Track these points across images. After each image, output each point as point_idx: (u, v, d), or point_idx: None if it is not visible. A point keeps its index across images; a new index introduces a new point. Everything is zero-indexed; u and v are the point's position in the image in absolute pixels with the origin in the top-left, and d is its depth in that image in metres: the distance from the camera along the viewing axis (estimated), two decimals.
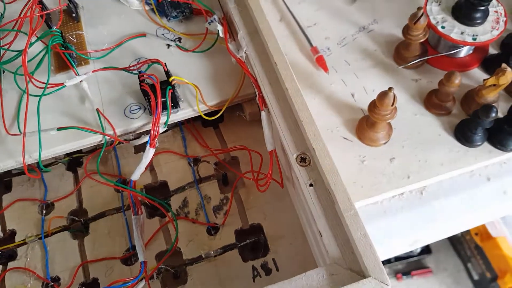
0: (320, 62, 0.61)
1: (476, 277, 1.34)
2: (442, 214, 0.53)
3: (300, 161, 0.42)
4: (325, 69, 0.61)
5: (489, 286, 1.29)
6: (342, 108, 0.58)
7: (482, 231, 1.29)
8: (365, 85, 0.60)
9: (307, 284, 0.35)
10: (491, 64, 0.58)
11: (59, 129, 0.49)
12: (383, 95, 0.48)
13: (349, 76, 0.61)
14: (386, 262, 1.40)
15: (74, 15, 0.58)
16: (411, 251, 1.42)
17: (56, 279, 0.49)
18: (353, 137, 0.56)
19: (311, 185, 0.40)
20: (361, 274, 0.35)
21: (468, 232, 1.34)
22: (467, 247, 1.36)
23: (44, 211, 0.53)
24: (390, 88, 0.48)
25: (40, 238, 0.51)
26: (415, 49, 0.59)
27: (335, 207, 0.39)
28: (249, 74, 0.48)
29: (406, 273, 1.40)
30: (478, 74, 0.60)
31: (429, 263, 1.44)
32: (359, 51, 0.63)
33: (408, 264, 1.42)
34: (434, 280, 1.41)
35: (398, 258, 1.42)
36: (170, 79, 0.48)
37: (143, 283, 0.44)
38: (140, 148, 0.56)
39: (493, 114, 0.49)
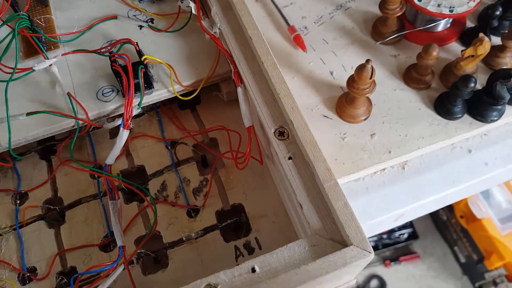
0: (298, 41, 0.60)
1: (463, 260, 1.36)
2: (425, 188, 0.52)
3: (279, 135, 0.41)
4: (303, 48, 0.60)
5: (476, 268, 1.31)
6: (321, 87, 0.58)
7: (467, 214, 1.30)
8: (343, 63, 0.59)
9: (289, 256, 0.34)
10: (468, 37, 0.58)
11: (28, 114, 0.47)
12: (361, 68, 0.48)
13: (327, 55, 0.60)
14: (374, 249, 1.41)
15: None
16: (398, 237, 1.43)
17: (33, 270, 0.47)
18: (333, 115, 0.55)
19: (290, 158, 0.39)
20: (343, 243, 0.34)
21: (453, 215, 1.35)
22: (453, 230, 1.38)
23: (18, 201, 0.51)
24: (367, 60, 0.47)
25: (14, 229, 0.50)
26: (392, 25, 0.58)
27: (315, 179, 0.38)
28: (224, 50, 0.47)
29: (394, 259, 1.41)
30: (456, 47, 0.60)
31: (416, 248, 1.45)
32: (337, 29, 0.63)
33: (396, 250, 1.43)
34: (422, 265, 1.42)
35: (385, 245, 1.42)
36: (142, 58, 0.47)
37: (121, 267, 0.43)
38: (115, 133, 0.54)
39: (472, 84, 0.49)
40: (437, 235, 1.45)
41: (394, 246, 1.43)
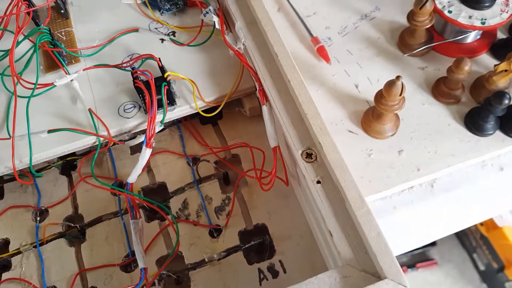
0: (322, 53, 0.59)
1: (482, 268, 1.33)
2: (454, 207, 0.51)
3: (306, 157, 0.39)
4: (327, 59, 0.58)
5: (496, 277, 1.27)
6: (346, 100, 0.56)
7: (488, 221, 1.27)
8: (369, 75, 0.58)
9: None
10: (500, 49, 0.56)
11: (50, 131, 0.46)
12: (390, 84, 0.46)
13: (352, 66, 0.59)
14: None
15: (62, 11, 0.56)
16: None
17: None
18: (358, 130, 0.54)
19: (318, 182, 0.38)
20: (377, 276, 0.33)
21: None
22: (472, 237, 1.35)
23: (38, 218, 0.51)
24: (398, 77, 0.45)
25: (35, 247, 0.49)
26: (420, 36, 0.57)
27: (345, 205, 0.36)
28: (248, 67, 0.46)
29: (411, 265, 1.39)
30: (486, 60, 0.57)
31: (434, 255, 1.42)
32: (362, 40, 0.61)
33: (413, 256, 1.41)
34: (440, 272, 1.39)
35: None
36: (165, 75, 0.46)
37: None
38: (136, 149, 0.53)
39: (507, 101, 0.47)
40: (456, 242, 1.43)
41: (411, 252, 1.40)
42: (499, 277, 1.27)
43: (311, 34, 0.61)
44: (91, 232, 0.49)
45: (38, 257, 0.48)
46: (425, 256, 1.41)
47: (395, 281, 0.32)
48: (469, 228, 1.35)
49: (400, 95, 0.46)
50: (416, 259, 1.40)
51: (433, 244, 1.41)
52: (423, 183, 0.52)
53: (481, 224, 1.30)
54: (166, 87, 0.45)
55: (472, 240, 1.35)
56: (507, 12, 0.53)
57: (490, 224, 1.26)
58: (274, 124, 0.44)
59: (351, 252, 0.35)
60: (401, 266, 1.29)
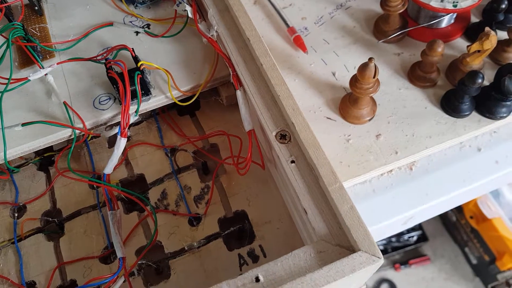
0: (298, 42, 0.59)
1: (474, 261, 1.33)
2: (434, 189, 0.51)
3: (280, 138, 0.39)
4: (304, 49, 0.59)
5: (488, 269, 1.28)
6: (323, 88, 0.56)
7: (477, 214, 1.28)
8: (346, 63, 0.58)
9: (295, 264, 0.33)
10: (474, 33, 0.57)
11: (24, 124, 0.46)
12: (363, 67, 0.46)
13: (329, 55, 0.59)
14: (383, 252, 1.38)
15: (36, 8, 0.55)
16: (407, 240, 1.41)
17: (32, 284, 0.46)
18: (336, 116, 0.54)
19: (292, 161, 0.38)
20: (351, 249, 0.33)
21: (463, 216, 1.33)
22: (463, 231, 1.35)
23: (16, 214, 0.50)
24: (370, 59, 0.46)
25: (13, 243, 0.48)
26: (394, 22, 0.57)
27: (319, 182, 0.36)
28: (222, 53, 0.46)
29: (404, 262, 1.39)
30: (461, 43, 0.58)
31: (426, 251, 1.42)
32: (338, 29, 0.61)
33: (405, 253, 1.41)
34: (433, 267, 1.39)
35: (394, 248, 1.40)
36: (139, 64, 0.46)
37: (122, 279, 0.42)
38: (114, 142, 0.53)
39: (480, 80, 0.47)
40: (447, 237, 1.43)
41: (403, 249, 1.40)
42: (491, 269, 1.27)
43: (287, 25, 0.61)
44: (69, 226, 0.49)
45: (16, 253, 0.48)
46: (417, 252, 1.41)
47: (369, 253, 0.32)
48: (459, 222, 1.35)
49: (374, 77, 0.46)
50: (409, 255, 1.40)
51: (425, 240, 1.41)
52: (402, 166, 0.52)
53: (471, 217, 1.30)
54: (140, 76, 0.45)
55: (463, 234, 1.35)
56: None
57: (479, 217, 1.27)
58: (248, 108, 0.44)
59: (325, 228, 0.34)
60: (394, 263, 1.28)
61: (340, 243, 0.34)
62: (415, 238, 1.41)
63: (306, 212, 0.36)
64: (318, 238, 0.34)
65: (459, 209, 1.34)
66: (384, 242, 1.40)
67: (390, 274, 1.39)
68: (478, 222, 1.28)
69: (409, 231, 1.40)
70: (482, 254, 1.29)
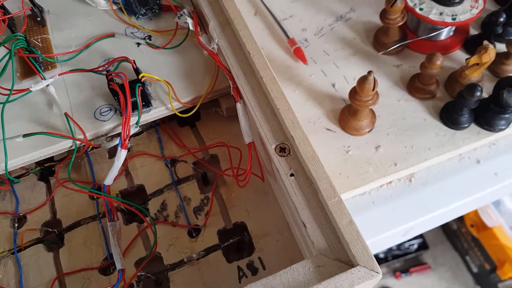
0: (298, 54, 0.59)
1: (475, 270, 1.33)
2: (433, 201, 0.51)
3: (280, 151, 0.39)
4: (304, 60, 0.59)
5: (489, 278, 1.27)
6: (323, 99, 0.56)
7: (478, 222, 1.27)
8: (345, 74, 0.58)
9: (293, 279, 0.33)
10: (473, 45, 0.57)
11: (25, 135, 0.46)
12: (363, 79, 0.47)
13: (328, 66, 0.59)
14: (383, 261, 1.38)
15: (39, 19, 0.56)
16: (407, 248, 1.40)
17: None
18: (336, 128, 0.54)
19: (292, 175, 0.38)
20: (350, 264, 0.33)
21: (463, 224, 1.33)
22: (463, 240, 1.35)
23: (16, 225, 0.50)
24: (369, 72, 0.46)
25: (12, 253, 0.48)
26: (394, 34, 0.57)
27: (318, 196, 0.36)
28: (222, 66, 0.46)
29: (405, 270, 1.38)
30: (460, 56, 0.58)
31: (427, 259, 1.42)
32: (338, 41, 0.62)
33: (406, 261, 1.41)
34: (433, 275, 1.39)
35: (395, 256, 1.40)
36: (140, 76, 0.46)
37: None
38: (114, 152, 0.53)
39: (478, 93, 0.47)
40: (448, 245, 1.43)
41: (404, 257, 1.40)
42: (492, 278, 1.27)
43: (287, 36, 0.61)
44: (69, 237, 0.49)
45: (16, 263, 0.48)
46: (418, 260, 1.41)
47: (367, 268, 0.32)
48: (460, 231, 1.35)
49: (373, 90, 0.47)
50: (410, 264, 1.40)
51: (425, 248, 1.41)
52: (401, 178, 0.52)
53: (472, 225, 1.30)
54: (141, 88, 0.45)
55: (464, 243, 1.35)
56: (477, 8, 0.54)
57: (480, 226, 1.27)
58: (248, 121, 0.44)
59: (324, 242, 0.35)
60: (395, 271, 1.28)
61: (339, 258, 0.34)
62: (415, 246, 1.41)
63: (305, 226, 0.36)
64: (317, 252, 0.34)
65: (459, 218, 1.33)
66: (384, 250, 1.40)
67: (391, 282, 1.38)
68: (479, 231, 1.28)
69: (409, 239, 1.40)
70: (483, 263, 1.28)
